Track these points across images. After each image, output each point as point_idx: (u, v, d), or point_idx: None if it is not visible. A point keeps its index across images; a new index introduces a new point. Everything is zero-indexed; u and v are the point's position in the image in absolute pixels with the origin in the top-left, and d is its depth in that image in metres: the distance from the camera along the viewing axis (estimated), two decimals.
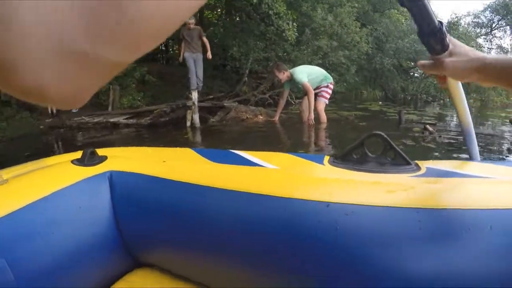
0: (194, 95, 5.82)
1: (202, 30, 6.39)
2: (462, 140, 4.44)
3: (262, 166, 0.98)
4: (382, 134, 0.92)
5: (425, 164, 0.94)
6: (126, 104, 7.99)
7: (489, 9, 17.25)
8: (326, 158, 1.01)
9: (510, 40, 16.03)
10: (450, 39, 0.64)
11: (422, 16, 0.62)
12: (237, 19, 10.21)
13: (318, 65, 6.80)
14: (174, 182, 0.94)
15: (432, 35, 0.63)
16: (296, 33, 8.28)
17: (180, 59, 6.44)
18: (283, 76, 5.17)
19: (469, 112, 1.01)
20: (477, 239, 0.66)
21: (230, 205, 0.85)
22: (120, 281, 1.04)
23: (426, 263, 0.67)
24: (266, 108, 7.11)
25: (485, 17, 17.54)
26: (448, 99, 15.28)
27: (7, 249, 0.79)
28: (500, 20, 17.04)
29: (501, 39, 17.14)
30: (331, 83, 5.24)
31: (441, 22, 0.62)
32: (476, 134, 0.98)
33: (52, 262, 0.86)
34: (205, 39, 6.29)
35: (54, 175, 0.98)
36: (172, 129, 5.77)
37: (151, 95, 9.32)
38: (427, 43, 0.64)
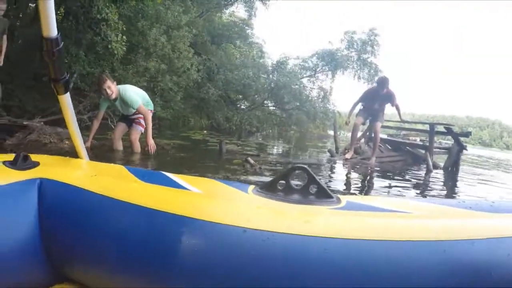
0: None
1: (7, 25, 4.92)
2: (279, 169, 4.72)
3: (188, 189, 1.01)
4: (306, 167, 0.99)
5: (346, 198, 1.01)
6: None
7: (316, 55, 19.46)
8: (251, 187, 1.06)
9: (330, 82, 18.90)
10: None
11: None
12: (69, 23, 8.79)
13: (142, 88, 6.25)
14: (101, 197, 0.95)
15: None
16: (124, 49, 7.53)
17: None
18: (115, 89, 4.28)
19: (76, 123, 1.27)
20: (381, 269, 0.74)
21: (151, 224, 0.86)
22: None
23: None
24: (82, 131, 6.03)
25: (312, 62, 19.63)
26: (270, 130, 16.60)
27: None
28: (324, 65, 19.34)
29: (323, 81, 19.67)
30: (151, 111, 4.72)
31: None
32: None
33: None
34: (4, 38, 4.81)
35: None
36: None
37: None
38: None
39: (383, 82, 6.19)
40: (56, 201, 1.00)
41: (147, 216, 0.88)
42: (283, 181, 1.02)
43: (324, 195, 0.99)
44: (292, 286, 0.75)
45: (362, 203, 1.00)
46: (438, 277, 0.77)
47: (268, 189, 1.01)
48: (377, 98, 6.30)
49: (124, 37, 7.28)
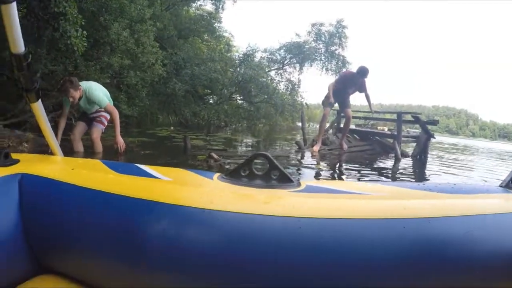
0: None
1: None
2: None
3: (158, 177, 1.08)
4: (267, 154, 1.04)
5: (306, 182, 1.08)
6: None
7: (284, 48, 19.59)
8: (217, 174, 1.12)
9: (298, 75, 19.20)
10: None
11: None
12: (32, 19, 8.25)
13: (106, 84, 6.01)
14: (80, 188, 1.00)
15: None
16: (85, 44, 7.14)
17: None
18: (79, 94, 4.12)
19: (49, 124, 1.31)
20: (341, 245, 0.78)
21: (126, 210, 0.91)
22: (21, 286, 1.02)
23: (299, 267, 0.77)
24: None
25: (279, 54, 19.88)
26: (239, 124, 16.53)
27: None
28: (292, 58, 19.55)
29: (291, 73, 19.97)
30: None
31: None
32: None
33: None
34: None
35: None
36: None
37: None
38: None
39: (364, 72, 6.30)
40: (36, 194, 1.04)
41: (121, 203, 0.93)
42: (247, 168, 1.08)
43: (285, 179, 1.05)
44: (251, 263, 0.79)
45: (322, 186, 1.08)
46: (395, 254, 0.80)
47: (232, 176, 1.08)
48: (352, 84, 6.43)
49: (84, 32, 6.96)
